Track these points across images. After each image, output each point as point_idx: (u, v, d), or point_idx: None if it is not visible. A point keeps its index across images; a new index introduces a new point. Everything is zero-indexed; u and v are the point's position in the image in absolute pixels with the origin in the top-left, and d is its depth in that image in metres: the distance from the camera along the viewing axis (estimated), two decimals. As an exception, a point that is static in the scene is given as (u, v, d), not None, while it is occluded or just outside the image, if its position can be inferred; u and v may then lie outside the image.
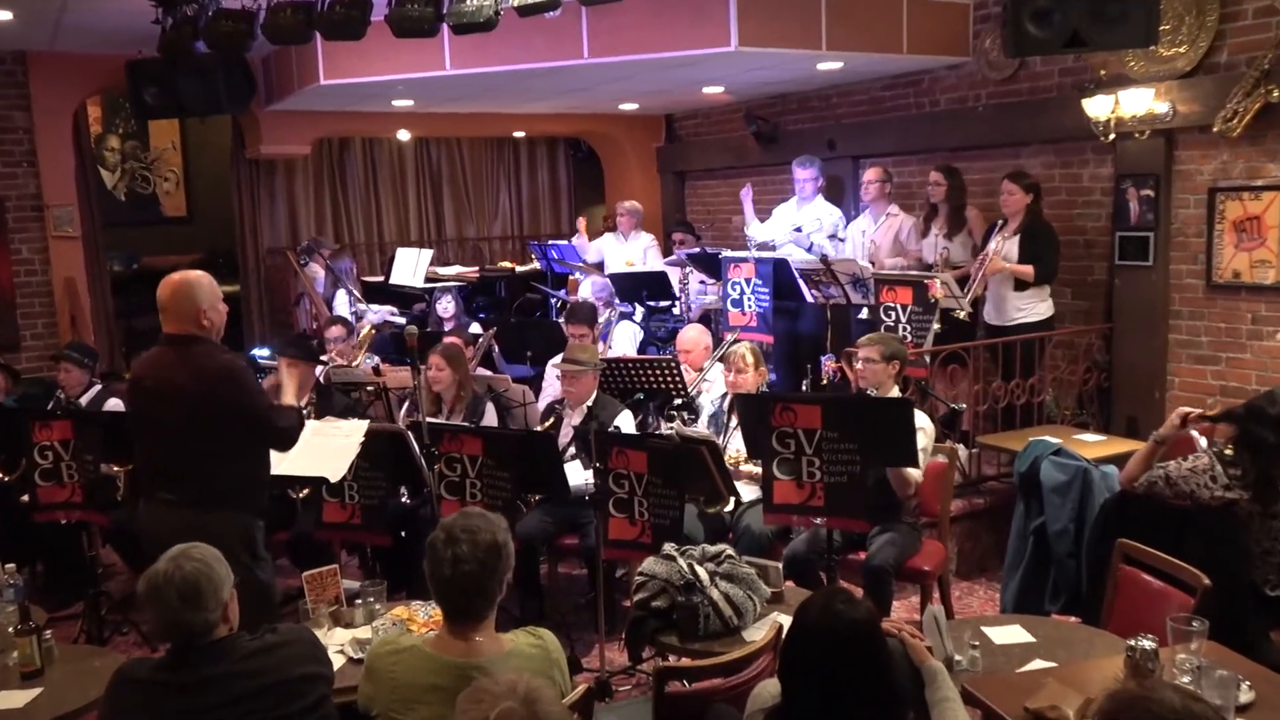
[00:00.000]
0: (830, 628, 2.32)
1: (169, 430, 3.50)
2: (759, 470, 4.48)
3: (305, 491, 4.63)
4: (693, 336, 5.92)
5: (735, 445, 4.80)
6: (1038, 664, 2.99)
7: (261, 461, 3.65)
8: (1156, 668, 2.67)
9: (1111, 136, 5.72)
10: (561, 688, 2.51)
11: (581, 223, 9.21)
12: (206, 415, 3.42)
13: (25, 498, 4.84)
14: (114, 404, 5.43)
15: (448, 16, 4.41)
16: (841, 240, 6.99)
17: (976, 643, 2.99)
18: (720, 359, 5.58)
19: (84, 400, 5.65)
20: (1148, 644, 2.69)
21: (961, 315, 5.64)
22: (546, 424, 4.99)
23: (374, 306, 8.01)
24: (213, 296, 3.53)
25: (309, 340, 6.21)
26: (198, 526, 3.30)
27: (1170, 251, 5.78)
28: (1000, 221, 5.95)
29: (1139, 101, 5.55)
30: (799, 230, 7.07)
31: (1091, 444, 5.17)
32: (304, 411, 3.89)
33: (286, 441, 3.68)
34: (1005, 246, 5.83)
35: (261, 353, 7.33)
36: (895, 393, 4.56)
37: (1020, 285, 5.91)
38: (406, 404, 5.54)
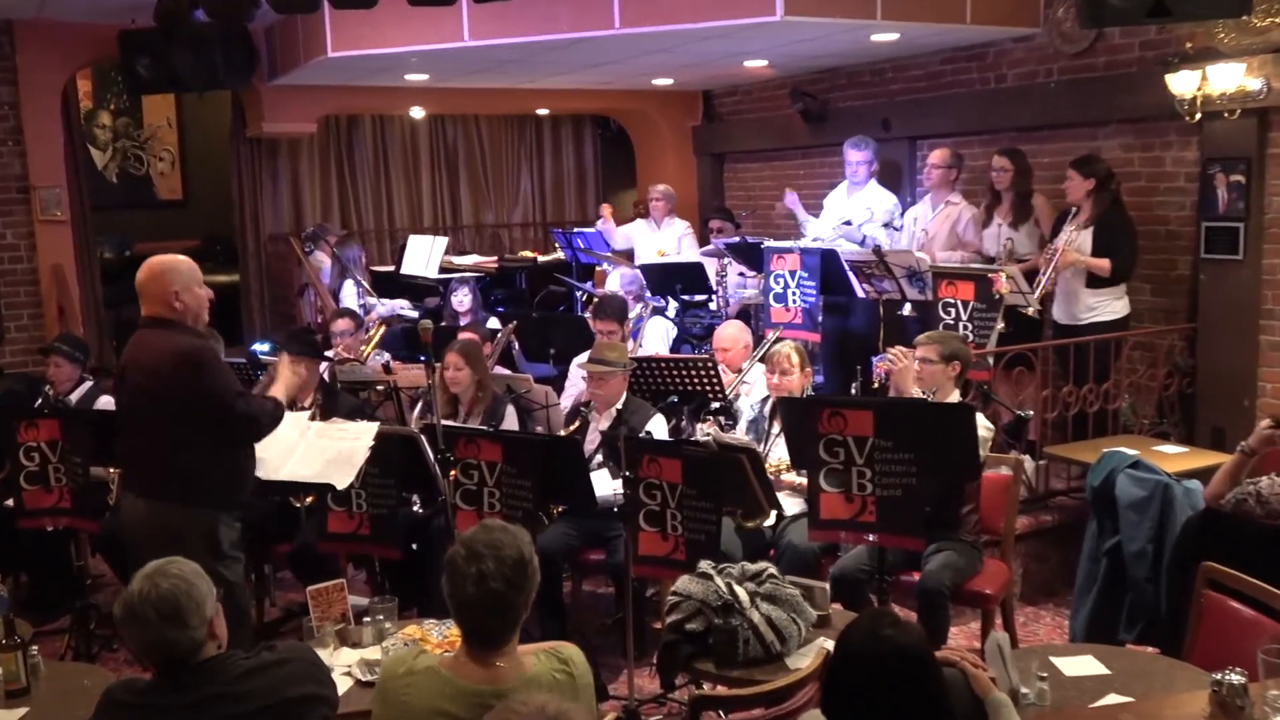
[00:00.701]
0: (876, 654, 2.31)
1: (136, 416, 3.76)
2: (803, 481, 4.47)
3: (309, 499, 4.68)
4: (731, 334, 5.91)
5: (777, 453, 4.80)
6: (1113, 699, 2.96)
7: (231, 453, 3.78)
8: (1246, 705, 2.65)
9: (1198, 116, 5.66)
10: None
11: (606, 209, 9.20)
12: (167, 399, 3.63)
13: (9, 503, 4.91)
14: (105, 401, 5.49)
15: (467, -17, 4.44)
16: (897, 229, 6.95)
17: (1044, 674, 2.97)
18: (761, 359, 5.57)
19: (74, 397, 5.73)
20: (1236, 679, 2.66)
21: (1030, 312, 5.60)
22: (571, 428, 5.00)
23: (384, 299, 8.06)
24: (188, 279, 3.74)
25: (313, 335, 6.26)
26: (156, 519, 3.59)
27: (1263, 244, 5.71)
28: (1074, 210, 5.90)
29: (1229, 77, 5.49)
30: (848, 223, 7.04)
31: (1173, 456, 5.12)
32: (285, 407, 4.01)
33: (250, 431, 3.79)
34: (1078, 238, 5.78)
35: (262, 348, 7.39)
36: (955, 397, 4.54)
37: (1094, 281, 5.85)
38: (419, 405, 5.57)
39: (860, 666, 2.33)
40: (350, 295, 8.09)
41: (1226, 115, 5.59)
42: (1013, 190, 6.36)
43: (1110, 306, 5.91)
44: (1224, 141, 5.76)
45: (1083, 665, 3.16)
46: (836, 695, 2.38)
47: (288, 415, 4.26)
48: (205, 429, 3.66)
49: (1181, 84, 5.63)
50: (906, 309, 5.97)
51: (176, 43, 6.67)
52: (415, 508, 4.92)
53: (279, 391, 3.99)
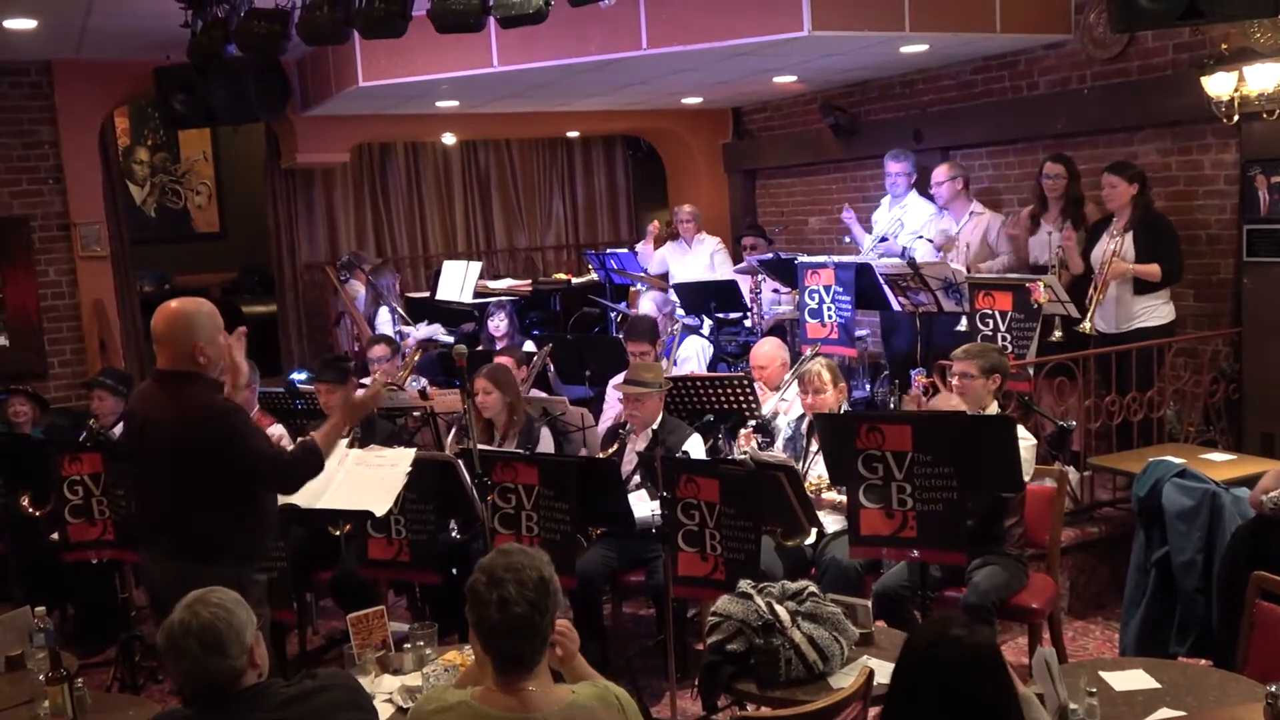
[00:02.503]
0: (947, 656, 2.26)
1: (154, 472, 3.58)
2: (843, 498, 4.45)
3: (348, 527, 4.71)
4: (768, 351, 5.89)
5: (816, 471, 4.78)
6: (1164, 713, 2.93)
7: (257, 510, 3.60)
8: (1302, 717, 2.60)
9: (1235, 118, 5.60)
10: None
11: (655, 226, 9.18)
12: (191, 459, 3.45)
13: (54, 536, 4.98)
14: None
15: (494, 9, 4.48)
16: (931, 241, 6.92)
17: (1094, 689, 2.93)
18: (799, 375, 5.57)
19: (116, 430, 5.81)
20: (1291, 690, 2.62)
21: (1087, 329, 5.57)
22: (610, 450, 5.01)
23: (420, 326, 8.12)
24: (211, 329, 3.52)
25: (346, 361, 6.32)
26: (183, 577, 3.33)
27: (1307, 245, 5.64)
28: (1113, 218, 5.85)
29: (1266, 77, 5.43)
30: (884, 240, 7.04)
31: (1220, 464, 5.04)
32: (324, 450, 3.70)
33: (286, 486, 3.64)
34: (1123, 246, 5.72)
35: (299, 377, 7.47)
36: (994, 409, 4.50)
37: (1141, 287, 5.79)
38: (455, 430, 5.60)
39: (929, 667, 2.28)
40: (385, 323, 8.16)
41: (1265, 116, 5.53)
42: (1065, 197, 6.29)
43: (1157, 312, 5.84)
44: (1264, 142, 5.69)
45: (1133, 679, 3.12)
46: (903, 705, 2.34)
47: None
48: (231, 487, 3.48)
49: (1218, 86, 5.58)
50: (964, 324, 5.89)
51: (210, 77, 6.80)
52: (453, 533, 4.94)
53: (331, 431, 3.67)
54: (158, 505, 3.61)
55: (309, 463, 3.60)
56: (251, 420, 3.73)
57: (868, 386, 6.89)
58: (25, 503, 5.17)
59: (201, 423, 3.45)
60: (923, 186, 7.41)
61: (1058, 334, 5.61)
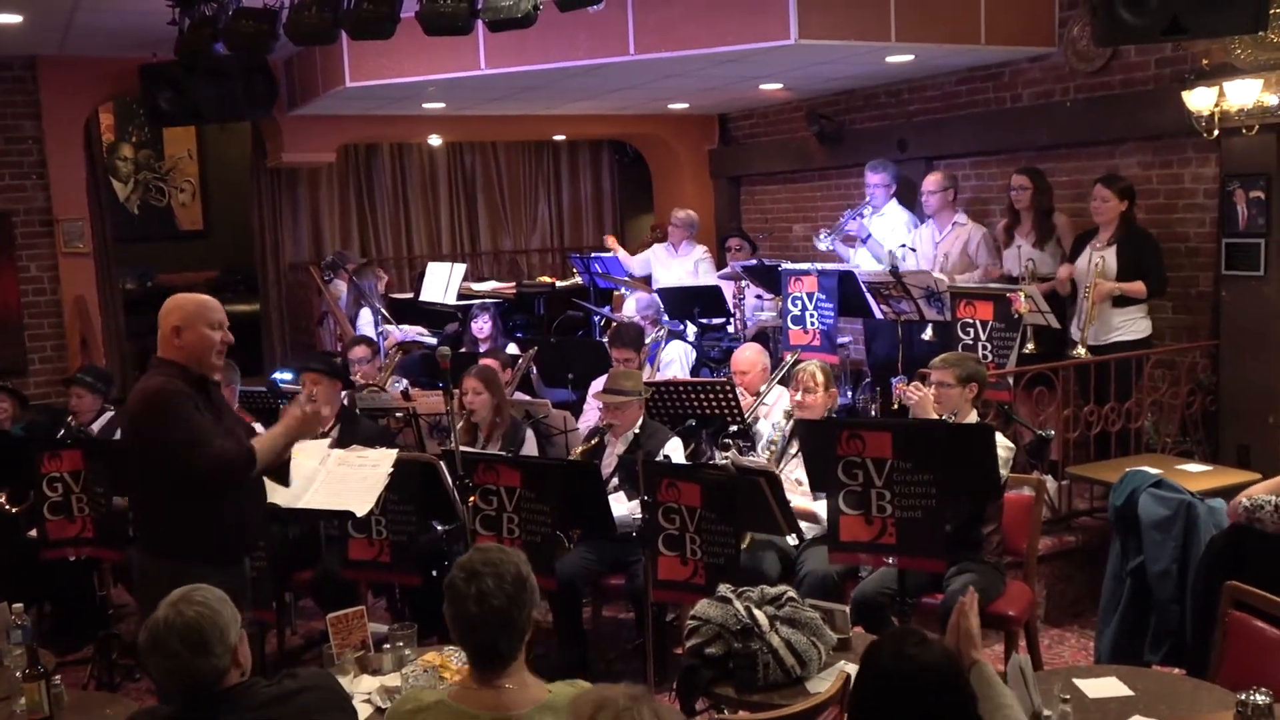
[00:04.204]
0: (902, 674, 2.29)
1: (128, 462, 3.57)
2: (808, 504, 4.51)
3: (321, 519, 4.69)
4: (749, 357, 5.92)
5: (796, 474, 4.80)
6: (1137, 720, 2.94)
7: (213, 505, 3.41)
8: (1271, 726, 2.63)
9: (1216, 132, 5.65)
10: None
11: (610, 240, 9.15)
12: (137, 445, 3.42)
13: (33, 533, 4.95)
14: (126, 431, 5.55)
15: (483, 12, 4.49)
16: (912, 249, 6.96)
17: (1068, 696, 2.94)
18: (781, 381, 5.58)
19: (95, 427, 5.79)
20: (1261, 699, 2.64)
21: (1082, 354, 5.62)
22: (590, 444, 5.00)
23: (403, 327, 8.11)
24: (193, 318, 3.45)
25: (333, 358, 6.31)
26: (148, 571, 3.37)
27: (1285, 260, 5.70)
28: (1092, 231, 5.90)
29: (1246, 93, 5.48)
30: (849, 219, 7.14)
31: (1196, 475, 5.09)
32: (258, 457, 3.51)
33: (215, 481, 3.37)
34: (1105, 262, 5.77)
35: (283, 376, 7.45)
36: (974, 418, 4.53)
37: (1120, 300, 5.84)
38: (447, 435, 5.60)
39: (887, 689, 2.30)
40: (367, 323, 8.14)
41: (1245, 131, 5.58)
42: (1033, 209, 6.35)
43: (1135, 325, 5.89)
44: (1243, 157, 5.75)
45: (1106, 687, 3.14)
46: (864, 715, 2.35)
47: (308, 443, 4.29)
48: (176, 478, 3.34)
49: (1199, 100, 5.63)
50: (929, 333, 5.97)
51: (197, 75, 6.79)
52: (439, 527, 4.92)
53: (269, 441, 3.55)
54: (131, 494, 3.64)
55: (239, 465, 3.42)
56: (191, 408, 3.41)
57: (849, 393, 6.92)
58: (3, 499, 5.14)
59: (139, 404, 3.39)
60: (904, 197, 7.47)
61: (1030, 346, 5.65)
